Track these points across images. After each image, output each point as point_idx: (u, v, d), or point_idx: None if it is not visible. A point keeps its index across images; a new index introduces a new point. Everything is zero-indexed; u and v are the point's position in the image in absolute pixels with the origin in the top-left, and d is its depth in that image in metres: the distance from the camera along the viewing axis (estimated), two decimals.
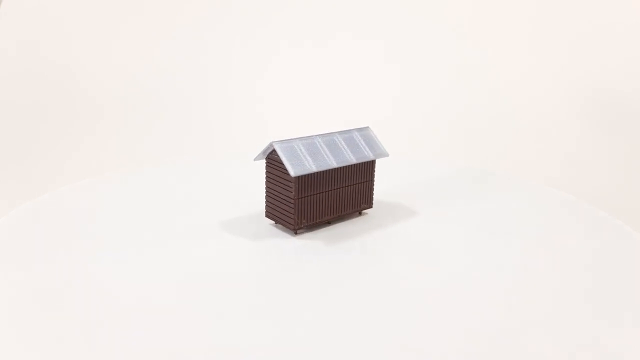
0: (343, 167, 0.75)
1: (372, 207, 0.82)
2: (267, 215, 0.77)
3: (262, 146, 0.82)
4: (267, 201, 0.76)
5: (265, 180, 0.76)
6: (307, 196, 0.73)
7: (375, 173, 0.81)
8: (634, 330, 0.55)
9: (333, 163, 0.74)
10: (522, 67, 1.51)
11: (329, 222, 0.78)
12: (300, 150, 0.73)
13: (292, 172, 0.70)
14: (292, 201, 0.72)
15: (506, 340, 0.52)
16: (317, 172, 0.73)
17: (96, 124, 1.36)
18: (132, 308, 0.56)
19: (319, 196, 0.74)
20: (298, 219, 0.73)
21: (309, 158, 0.73)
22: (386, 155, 0.80)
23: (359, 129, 0.80)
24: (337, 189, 0.76)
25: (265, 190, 0.76)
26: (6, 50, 1.40)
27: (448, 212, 0.84)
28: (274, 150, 0.73)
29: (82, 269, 0.64)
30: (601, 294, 0.62)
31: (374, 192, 0.82)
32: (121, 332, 0.52)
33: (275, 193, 0.74)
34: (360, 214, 0.82)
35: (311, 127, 0.94)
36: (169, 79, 1.50)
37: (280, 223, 0.75)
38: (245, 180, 0.94)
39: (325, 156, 0.74)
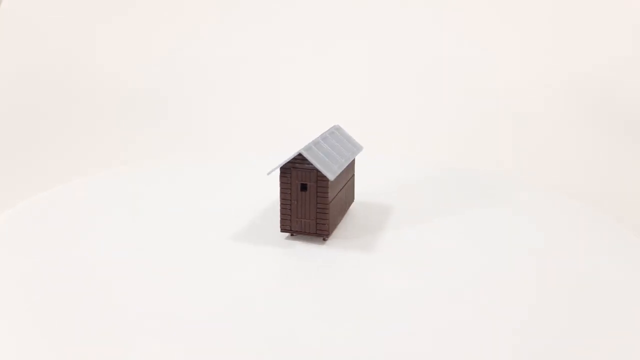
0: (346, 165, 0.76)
1: (353, 200, 0.83)
2: (283, 230, 0.72)
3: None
4: (283, 213, 0.71)
5: (280, 191, 0.71)
6: (334, 199, 0.72)
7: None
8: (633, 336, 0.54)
9: (343, 162, 0.73)
10: (521, 65, 1.44)
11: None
12: (321, 154, 0.72)
13: (330, 176, 0.68)
14: (326, 207, 0.70)
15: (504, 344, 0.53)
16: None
17: (95, 122, 1.33)
18: (133, 306, 0.57)
19: (336, 198, 0.74)
20: (330, 224, 0.71)
21: (328, 160, 0.71)
22: (361, 148, 0.82)
23: (336, 128, 0.80)
24: (343, 188, 0.76)
25: (280, 203, 0.71)
26: (5, 50, 1.38)
27: (445, 214, 0.82)
28: (297, 159, 0.69)
29: (83, 268, 0.64)
30: (602, 299, 0.61)
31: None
32: (123, 331, 0.53)
33: (299, 202, 0.71)
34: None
35: (307, 126, 0.90)
36: (168, 77, 1.46)
37: (303, 233, 0.71)
38: (244, 183, 0.94)
39: (336, 157, 0.73)
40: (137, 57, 1.50)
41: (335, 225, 0.74)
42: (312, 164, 0.68)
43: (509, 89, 1.40)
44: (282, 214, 0.71)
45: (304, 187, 0.70)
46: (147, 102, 1.43)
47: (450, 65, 1.45)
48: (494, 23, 1.47)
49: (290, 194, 0.70)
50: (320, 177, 0.69)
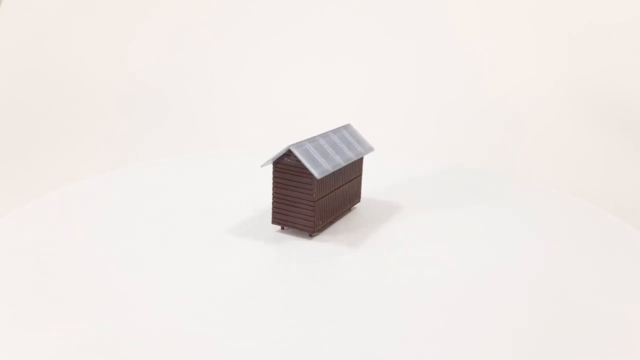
0: (346, 164, 0.77)
1: (360, 201, 0.84)
2: (274, 222, 0.75)
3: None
4: (275, 207, 0.74)
5: (273, 185, 0.74)
6: (323, 197, 0.74)
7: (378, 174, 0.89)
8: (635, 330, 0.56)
9: (341, 162, 0.75)
10: (522, 66, 1.45)
11: (330, 222, 0.79)
12: (314, 152, 0.73)
13: (316, 174, 0.70)
14: (311, 204, 0.72)
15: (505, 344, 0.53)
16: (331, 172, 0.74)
17: (96, 122, 1.37)
18: (136, 309, 0.57)
19: (329, 196, 0.75)
20: (317, 221, 0.73)
21: (322, 159, 0.73)
22: (372, 149, 0.83)
23: (345, 127, 0.82)
24: (341, 186, 0.77)
25: (273, 196, 0.74)
26: (6, 49, 1.40)
27: (448, 212, 0.84)
28: (286, 155, 0.72)
29: (84, 268, 0.65)
30: (602, 293, 0.63)
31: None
32: (123, 331, 0.53)
33: (289, 198, 0.73)
34: (350, 209, 0.84)
35: (308, 125, 0.92)
36: (169, 77, 1.47)
37: (292, 227, 0.74)
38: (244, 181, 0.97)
39: (333, 156, 0.75)
40: (135, 57, 1.52)
41: (325, 221, 0.75)
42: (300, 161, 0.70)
43: (509, 90, 1.41)
44: (273, 207, 0.74)
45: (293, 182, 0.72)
46: (144, 103, 1.45)
47: (453, 66, 1.46)
48: (493, 24, 1.48)
49: (281, 188, 0.73)
50: (307, 175, 0.70)
